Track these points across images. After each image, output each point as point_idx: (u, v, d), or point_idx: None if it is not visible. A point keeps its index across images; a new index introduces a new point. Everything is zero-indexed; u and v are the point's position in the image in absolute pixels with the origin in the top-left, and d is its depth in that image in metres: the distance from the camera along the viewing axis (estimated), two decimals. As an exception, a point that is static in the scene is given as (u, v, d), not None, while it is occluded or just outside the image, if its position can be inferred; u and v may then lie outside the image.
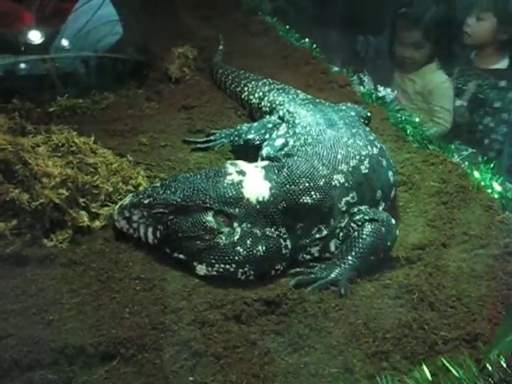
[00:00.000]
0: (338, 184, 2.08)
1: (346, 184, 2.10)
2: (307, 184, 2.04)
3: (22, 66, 3.13)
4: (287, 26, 4.13)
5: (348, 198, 2.09)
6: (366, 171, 2.17)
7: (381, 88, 3.25)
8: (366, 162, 2.18)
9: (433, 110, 3.75)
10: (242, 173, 2.05)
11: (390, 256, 2.09)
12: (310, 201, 2.02)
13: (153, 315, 1.78)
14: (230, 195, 1.97)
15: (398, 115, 3.05)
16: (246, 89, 3.06)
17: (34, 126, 2.55)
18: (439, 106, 3.78)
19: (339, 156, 2.15)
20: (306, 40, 3.93)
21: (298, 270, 2.02)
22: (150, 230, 2.03)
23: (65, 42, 3.26)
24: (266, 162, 2.16)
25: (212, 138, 2.78)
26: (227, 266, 1.93)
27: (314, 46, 3.85)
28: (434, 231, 2.26)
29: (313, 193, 2.03)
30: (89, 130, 2.61)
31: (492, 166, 2.59)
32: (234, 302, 1.84)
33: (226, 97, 3.23)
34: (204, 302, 1.84)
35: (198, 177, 2.05)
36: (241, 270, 1.94)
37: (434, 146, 2.79)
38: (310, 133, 2.32)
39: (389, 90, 3.23)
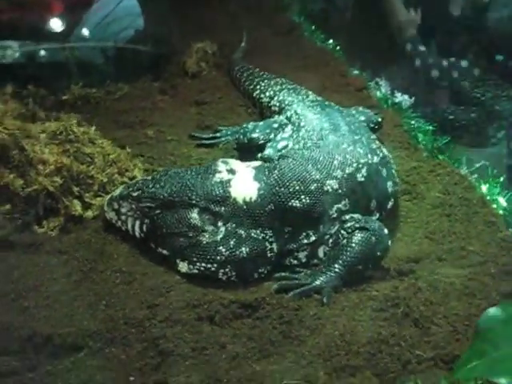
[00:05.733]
0: (330, 190, 2.02)
1: (339, 191, 2.04)
2: (297, 187, 1.98)
3: (42, 53, 3.15)
4: (313, 27, 4.05)
5: (340, 205, 2.03)
6: (362, 179, 2.10)
7: (398, 94, 3.15)
8: (363, 171, 2.11)
9: None
10: (231, 171, 2.01)
11: (380, 267, 2.02)
12: (298, 205, 1.97)
13: (127, 309, 1.78)
14: (217, 193, 1.94)
15: (412, 122, 2.95)
16: (258, 87, 3.02)
17: (45, 113, 2.59)
18: None
19: (335, 162, 2.08)
20: (330, 41, 3.86)
21: (283, 274, 1.97)
22: (138, 223, 2.02)
23: (85, 32, 3.28)
24: (258, 163, 2.12)
25: (218, 134, 2.76)
26: (208, 265, 1.90)
27: (338, 47, 3.77)
28: (432, 244, 2.18)
29: (303, 197, 1.98)
30: (98, 120, 2.64)
31: (502, 179, 2.47)
32: (211, 302, 1.81)
33: (240, 94, 3.19)
34: (181, 300, 1.82)
35: (188, 173, 2.03)
36: (222, 271, 1.91)
37: (444, 156, 2.69)
38: (311, 137, 2.27)
39: (406, 96, 3.12)
